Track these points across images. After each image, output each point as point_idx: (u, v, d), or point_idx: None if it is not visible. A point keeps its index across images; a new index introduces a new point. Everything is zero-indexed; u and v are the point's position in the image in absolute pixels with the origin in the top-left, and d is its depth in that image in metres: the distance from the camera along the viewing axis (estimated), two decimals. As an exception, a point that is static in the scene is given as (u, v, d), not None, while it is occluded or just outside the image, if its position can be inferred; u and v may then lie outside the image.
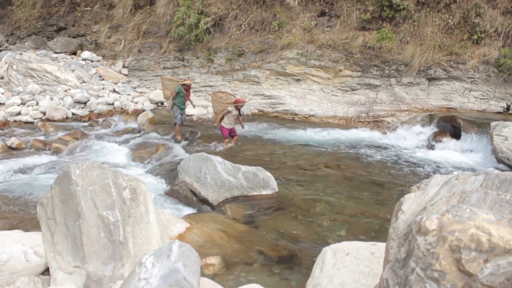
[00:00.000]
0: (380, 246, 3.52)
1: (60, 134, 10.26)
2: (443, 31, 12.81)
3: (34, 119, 11.85)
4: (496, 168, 8.95)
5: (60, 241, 3.32)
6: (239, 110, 9.07)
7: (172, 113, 10.32)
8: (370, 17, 13.11)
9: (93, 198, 3.31)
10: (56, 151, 9.14)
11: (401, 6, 12.59)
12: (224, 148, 9.03)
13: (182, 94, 10.08)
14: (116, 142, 9.65)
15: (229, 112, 8.95)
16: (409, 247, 1.68)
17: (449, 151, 10.13)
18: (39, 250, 3.76)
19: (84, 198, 3.28)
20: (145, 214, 3.61)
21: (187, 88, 10.22)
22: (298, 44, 13.53)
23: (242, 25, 14.52)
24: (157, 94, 13.93)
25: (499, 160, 9.12)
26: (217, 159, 6.48)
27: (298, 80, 13.64)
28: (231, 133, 9.26)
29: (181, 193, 6.47)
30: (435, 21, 12.79)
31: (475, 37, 12.39)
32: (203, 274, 3.71)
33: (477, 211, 1.73)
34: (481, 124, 10.34)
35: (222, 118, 9.04)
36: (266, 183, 6.40)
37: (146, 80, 15.36)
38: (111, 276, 3.06)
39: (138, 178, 3.89)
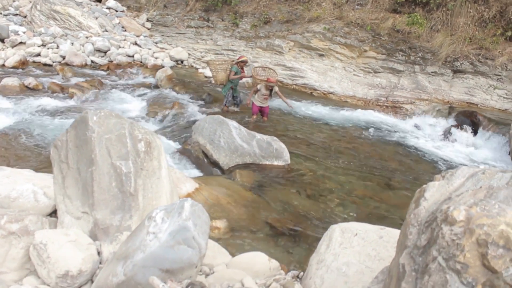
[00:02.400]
0: (389, 231, 3.48)
1: (78, 80, 10.23)
2: (476, 24, 12.41)
3: (53, 62, 11.82)
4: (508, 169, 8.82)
5: (70, 185, 3.32)
6: (270, 90, 8.56)
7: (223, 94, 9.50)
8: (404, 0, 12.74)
9: (108, 147, 3.28)
10: (72, 96, 9.13)
11: (437, -8, 12.21)
12: (251, 121, 8.73)
13: (238, 73, 9.34)
14: (132, 95, 9.61)
15: (258, 90, 8.61)
16: (431, 235, 1.62)
17: (464, 146, 9.98)
18: (48, 191, 3.77)
19: (99, 145, 3.25)
20: (158, 169, 3.59)
21: (243, 65, 9.47)
22: (326, 19, 13.23)
23: (272, -8, 14.24)
24: (178, 52, 13.79)
25: (515, 162, 8.96)
26: (233, 123, 6.42)
27: (321, 55, 13.40)
28: (262, 113, 8.88)
29: (192, 153, 6.45)
30: (470, 12, 12.37)
31: (509, 33, 11.98)
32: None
33: (506, 208, 1.66)
34: (501, 123, 10.13)
35: (252, 94, 8.71)
36: (279, 154, 6.35)
37: (168, 37, 15.19)
38: (118, 226, 3.06)
39: (153, 132, 3.86)
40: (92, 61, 12.22)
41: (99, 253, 2.92)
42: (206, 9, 14.89)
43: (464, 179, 2.12)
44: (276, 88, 8.62)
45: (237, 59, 9.41)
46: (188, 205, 2.47)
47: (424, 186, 2.12)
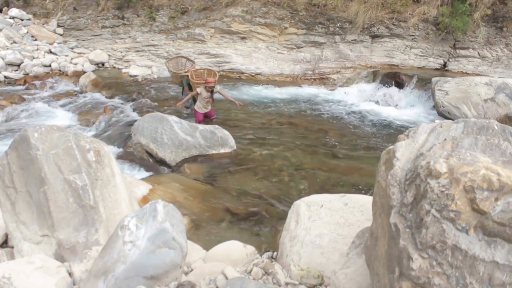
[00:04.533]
0: (351, 197, 3.61)
1: (-6, 98, 9.53)
2: (385, -11, 12.96)
3: (-39, 84, 10.92)
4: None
5: (23, 210, 3.10)
6: (211, 91, 7.81)
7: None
8: (315, -27, 12.99)
9: (57, 162, 3.10)
10: (-8, 117, 8.50)
11: (345, -38, 12.57)
12: None
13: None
14: (58, 106, 9.12)
15: (198, 94, 7.81)
16: (417, 191, 1.69)
17: (392, 105, 10.49)
18: (-8, 222, 3.51)
19: (47, 162, 3.07)
20: (111, 177, 3.45)
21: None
22: (243, 1, 13.21)
23: (185, -19, 13.95)
24: (98, 55, 13.24)
25: (440, 114, 9.53)
26: (173, 118, 6.30)
27: (243, 38, 13.41)
28: (208, 117, 8.13)
29: (136, 155, 6.26)
30: (378, -22, 12.89)
31: (416, -5, 12.65)
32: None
33: (476, 154, 1.77)
34: (422, 79, 10.72)
35: (193, 99, 7.96)
36: (224, 141, 6.34)
37: (84, 40, 14.48)
38: (85, 242, 2.91)
39: (99, 140, 3.69)
40: (5, 77, 11.36)
41: (70, 274, 2.77)
42: (119, 6, 14.32)
43: (426, 134, 2.22)
44: (217, 87, 8.01)
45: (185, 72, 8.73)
46: (161, 207, 2.40)
47: (391, 147, 2.20)
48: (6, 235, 3.46)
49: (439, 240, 1.55)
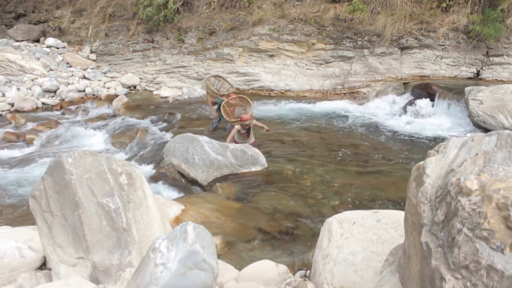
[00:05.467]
0: (384, 213, 3.54)
1: (32, 125, 9.87)
2: (412, 0, 12.86)
3: (2, 111, 11.34)
4: (471, 132, 9.17)
5: (59, 233, 3.19)
6: (248, 128, 7.36)
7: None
8: (341, -12, 13.03)
9: (90, 186, 3.17)
10: (30, 142, 8.81)
11: (371, -24, 12.55)
12: None
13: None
14: (92, 129, 9.38)
15: (238, 130, 7.36)
16: (448, 209, 1.65)
17: (425, 118, 10.30)
18: (33, 244, 3.61)
19: (81, 186, 3.15)
20: (143, 199, 3.50)
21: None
22: (269, 20, 13.35)
23: (212, 3, 14.19)
24: (129, 78, 13.58)
25: (475, 124, 9.30)
26: (204, 138, 6.37)
27: (271, 56, 13.51)
28: None
29: (168, 176, 6.35)
30: (404, -10, 12.81)
31: (444, 4, 12.49)
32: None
33: (510, 169, 1.71)
34: (455, 89, 10.51)
35: (233, 137, 7.39)
36: (255, 159, 6.35)
37: (116, 65, 14.92)
38: (118, 264, 2.96)
39: (131, 163, 3.77)
40: (43, 103, 11.81)
41: (105, 296, 2.82)
42: (148, 30, 14.72)
43: (457, 149, 2.17)
44: (253, 122, 7.47)
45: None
46: (191, 229, 2.42)
47: (421, 163, 2.16)
48: (44, 258, 3.56)
49: (472, 260, 1.50)
